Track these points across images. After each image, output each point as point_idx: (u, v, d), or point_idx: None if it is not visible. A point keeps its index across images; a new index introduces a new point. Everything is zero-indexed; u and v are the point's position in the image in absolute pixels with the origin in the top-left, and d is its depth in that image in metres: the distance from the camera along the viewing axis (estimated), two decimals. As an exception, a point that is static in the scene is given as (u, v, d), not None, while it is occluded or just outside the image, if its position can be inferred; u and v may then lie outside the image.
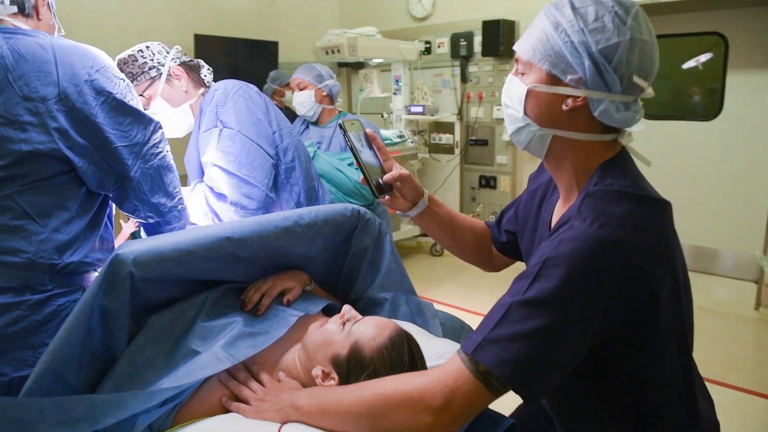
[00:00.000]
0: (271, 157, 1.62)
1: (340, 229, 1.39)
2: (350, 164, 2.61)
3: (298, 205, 1.63)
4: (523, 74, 0.94)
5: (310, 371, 1.08)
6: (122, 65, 1.63)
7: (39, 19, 1.23)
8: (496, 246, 1.29)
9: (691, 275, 0.97)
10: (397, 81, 4.73)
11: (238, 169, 1.54)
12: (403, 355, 1.02)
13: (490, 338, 0.81)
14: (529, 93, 0.92)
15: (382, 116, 4.98)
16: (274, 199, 1.61)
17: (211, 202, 1.56)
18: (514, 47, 0.96)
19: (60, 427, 0.91)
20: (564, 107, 0.90)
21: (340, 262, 1.47)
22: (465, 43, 4.71)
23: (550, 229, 1.00)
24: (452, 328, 1.42)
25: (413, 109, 4.65)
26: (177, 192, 1.37)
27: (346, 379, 1.02)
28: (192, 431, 0.99)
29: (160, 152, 1.29)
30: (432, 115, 4.65)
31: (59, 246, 1.10)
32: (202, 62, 1.75)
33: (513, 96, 0.96)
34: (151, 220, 1.34)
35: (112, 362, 1.08)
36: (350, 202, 2.59)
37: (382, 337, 1.04)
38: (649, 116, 4.36)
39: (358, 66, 5.49)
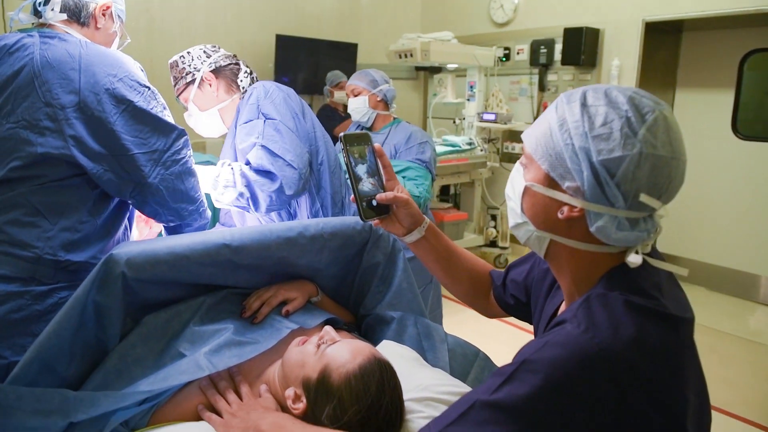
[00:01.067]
0: (308, 152, 1.62)
1: (350, 242, 1.37)
2: (398, 172, 2.58)
3: (323, 207, 1.63)
4: (525, 167, 0.86)
5: (284, 390, 1.06)
6: (171, 69, 1.72)
7: (97, 28, 1.30)
8: (499, 303, 1.18)
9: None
10: (471, 87, 4.63)
11: (283, 153, 1.55)
12: (370, 386, 0.98)
13: None
14: (526, 190, 0.84)
15: (454, 122, 4.89)
16: (304, 191, 1.61)
17: (252, 178, 1.55)
18: (522, 135, 0.87)
19: (34, 417, 0.95)
20: (559, 215, 0.80)
21: (352, 276, 1.44)
22: (545, 50, 4.53)
23: (547, 326, 0.91)
24: (463, 356, 1.35)
25: (485, 116, 4.54)
26: (198, 196, 1.40)
27: (313, 404, 1.00)
28: (163, 435, 1.00)
29: (182, 158, 1.30)
30: (505, 123, 4.51)
31: (67, 244, 1.14)
32: (243, 67, 1.77)
33: (515, 188, 0.87)
34: (172, 224, 1.37)
35: (104, 356, 1.11)
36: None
37: (352, 364, 1.00)
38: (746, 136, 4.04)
39: (436, 70, 5.44)
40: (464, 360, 1.34)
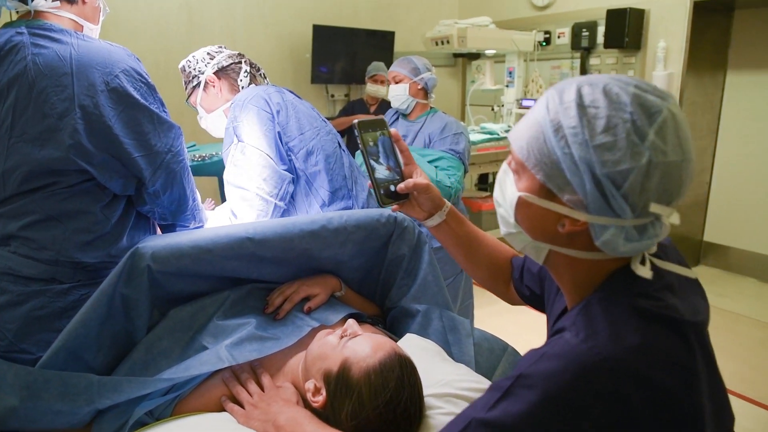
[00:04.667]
0: (285, 167, 1.57)
1: (374, 235, 1.36)
2: (430, 161, 2.55)
3: (322, 207, 1.61)
4: (516, 173, 0.77)
5: (305, 382, 1.06)
6: (181, 74, 1.73)
7: (84, 2, 1.23)
8: (518, 293, 1.13)
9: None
10: (510, 73, 4.53)
11: (247, 183, 1.52)
12: (389, 382, 0.97)
13: None
14: (520, 201, 0.76)
15: (492, 109, 4.80)
16: (284, 208, 1.58)
17: (238, 217, 1.55)
18: (509, 135, 0.78)
19: (61, 400, 0.99)
20: (560, 228, 0.72)
21: (377, 269, 1.43)
22: (587, 33, 4.37)
23: (554, 327, 0.87)
24: (490, 350, 1.33)
25: (525, 102, 4.43)
26: (193, 196, 1.37)
27: (332, 398, 1.00)
28: (185, 425, 1.02)
29: (181, 159, 1.27)
30: (545, 110, 4.39)
31: (82, 245, 1.15)
32: (244, 66, 1.74)
33: (506, 195, 0.79)
34: (164, 222, 1.35)
35: (132, 347, 1.14)
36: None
37: (372, 359, 0.99)
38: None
39: (474, 56, 5.34)
40: (491, 355, 1.32)
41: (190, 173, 1.31)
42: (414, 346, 1.22)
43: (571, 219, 0.71)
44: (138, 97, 1.15)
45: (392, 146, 1.10)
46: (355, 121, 1.04)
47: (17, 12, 1.18)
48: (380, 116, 1.09)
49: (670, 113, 0.67)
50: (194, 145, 2.68)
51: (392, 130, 1.10)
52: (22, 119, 1.09)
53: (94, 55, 1.12)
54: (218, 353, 1.09)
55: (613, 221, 0.69)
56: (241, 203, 1.51)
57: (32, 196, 1.11)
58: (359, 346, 1.02)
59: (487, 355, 1.32)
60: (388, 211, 1.40)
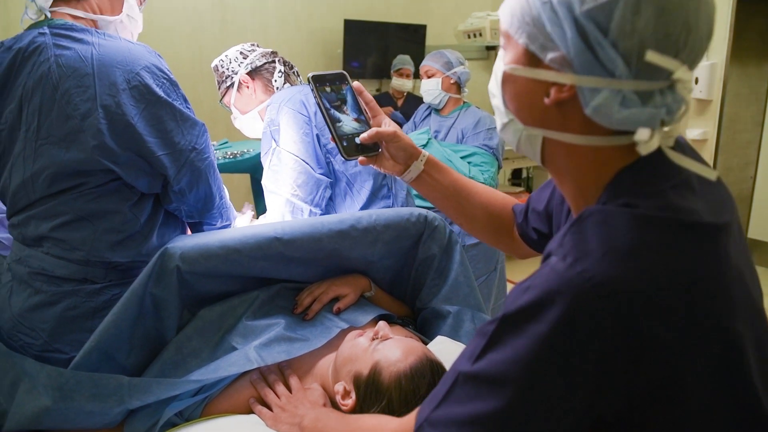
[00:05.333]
0: (322, 171, 1.56)
1: (404, 234, 1.34)
2: (463, 157, 2.51)
3: (363, 207, 1.59)
4: (505, 49, 0.68)
5: (335, 384, 1.05)
6: (214, 73, 1.72)
7: None
8: (524, 240, 1.00)
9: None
10: (545, 66, 4.43)
11: (282, 189, 1.51)
12: (420, 388, 0.95)
13: (432, 419, 0.63)
14: (505, 77, 0.67)
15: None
16: (319, 213, 1.56)
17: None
18: (499, 11, 0.68)
19: (92, 401, 1.00)
20: (546, 100, 0.62)
21: (408, 269, 1.41)
22: (626, 23, 4.24)
23: None
24: None
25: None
26: (220, 193, 1.35)
27: (362, 401, 0.98)
28: (214, 427, 1.02)
29: (206, 156, 1.25)
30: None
31: (112, 245, 1.15)
32: (278, 66, 1.71)
33: (497, 78, 0.70)
34: (191, 220, 1.34)
35: (162, 347, 1.15)
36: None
37: (404, 363, 0.97)
38: None
39: (508, 49, 5.24)
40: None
41: (217, 171, 1.30)
42: (445, 349, 1.20)
43: (557, 85, 0.61)
44: (161, 93, 1.14)
45: (356, 99, 1.02)
46: (309, 74, 0.98)
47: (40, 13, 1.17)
48: (340, 70, 1.03)
49: None
50: (226, 142, 2.70)
51: (355, 83, 1.03)
52: (47, 122, 1.09)
53: (115, 54, 1.11)
54: (247, 354, 1.09)
55: (605, 82, 0.57)
56: (277, 209, 1.51)
57: (61, 197, 1.12)
58: (390, 350, 1.00)
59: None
60: (418, 210, 1.37)
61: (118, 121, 1.10)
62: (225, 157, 2.34)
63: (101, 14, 1.21)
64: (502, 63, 0.68)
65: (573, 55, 0.58)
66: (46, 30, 1.11)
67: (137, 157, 1.14)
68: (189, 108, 1.21)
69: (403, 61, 4.35)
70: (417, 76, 3.52)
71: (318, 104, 0.98)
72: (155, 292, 1.11)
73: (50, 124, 1.09)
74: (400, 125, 3.91)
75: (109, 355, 1.07)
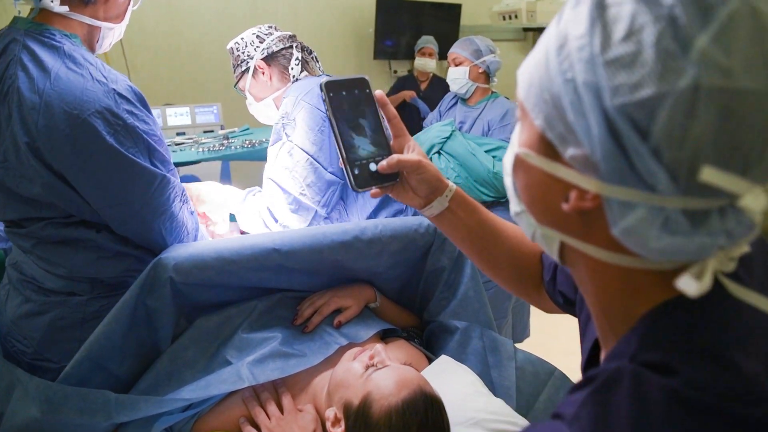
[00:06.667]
0: (333, 170, 1.48)
1: (411, 246, 1.27)
2: (488, 150, 2.41)
3: (377, 209, 1.52)
4: (520, 122, 0.53)
5: (327, 409, 1.01)
6: (230, 56, 1.65)
7: (105, 1, 1.11)
8: (552, 299, 0.85)
9: None
10: (583, 49, 4.24)
11: (291, 187, 1.46)
12: (411, 426, 0.89)
13: None
14: (517, 161, 0.52)
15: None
16: (326, 216, 1.50)
17: (270, 225, 1.49)
18: (518, 70, 0.51)
19: (80, 415, 0.98)
20: (564, 205, 0.47)
21: (416, 280, 1.35)
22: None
23: (586, 367, 0.64)
24: (534, 374, 1.23)
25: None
26: (182, 233, 1.21)
27: None
28: (202, 446, 0.99)
29: (162, 210, 1.12)
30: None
31: (91, 264, 1.12)
32: (296, 53, 1.62)
33: (510, 158, 0.54)
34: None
35: (157, 355, 1.12)
36: (480, 191, 2.41)
37: (396, 397, 0.92)
38: None
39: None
40: (535, 379, 1.22)
41: (176, 216, 1.16)
42: (448, 371, 1.14)
43: (578, 189, 0.45)
44: (111, 141, 1.01)
45: (377, 114, 0.84)
46: (322, 81, 0.80)
47: (30, 10, 1.09)
48: (361, 75, 0.84)
49: (745, 6, 0.38)
50: (247, 128, 2.67)
51: (377, 92, 0.84)
52: (3, 145, 1.04)
53: (66, 94, 0.99)
54: (239, 372, 1.05)
55: (641, 196, 0.41)
56: (283, 207, 1.46)
57: (29, 226, 1.09)
58: (384, 380, 0.95)
59: (531, 379, 1.22)
60: (426, 220, 1.30)
61: (56, 167, 1.02)
62: (243, 146, 2.31)
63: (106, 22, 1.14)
64: (517, 140, 0.53)
65: (599, 157, 0.42)
66: (21, 38, 1.04)
67: (84, 202, 1.07)
68: (154, 156, 1.09)
69: (426, 40, 4.15)
70: (442, 57, 3.39)
71: (329, 119, 0.80)
72: (148, 302, 1.08)
73: (6, 149, 1.04)
74: (423, 115, 3.79)
75: (100, 364, 1.05)
